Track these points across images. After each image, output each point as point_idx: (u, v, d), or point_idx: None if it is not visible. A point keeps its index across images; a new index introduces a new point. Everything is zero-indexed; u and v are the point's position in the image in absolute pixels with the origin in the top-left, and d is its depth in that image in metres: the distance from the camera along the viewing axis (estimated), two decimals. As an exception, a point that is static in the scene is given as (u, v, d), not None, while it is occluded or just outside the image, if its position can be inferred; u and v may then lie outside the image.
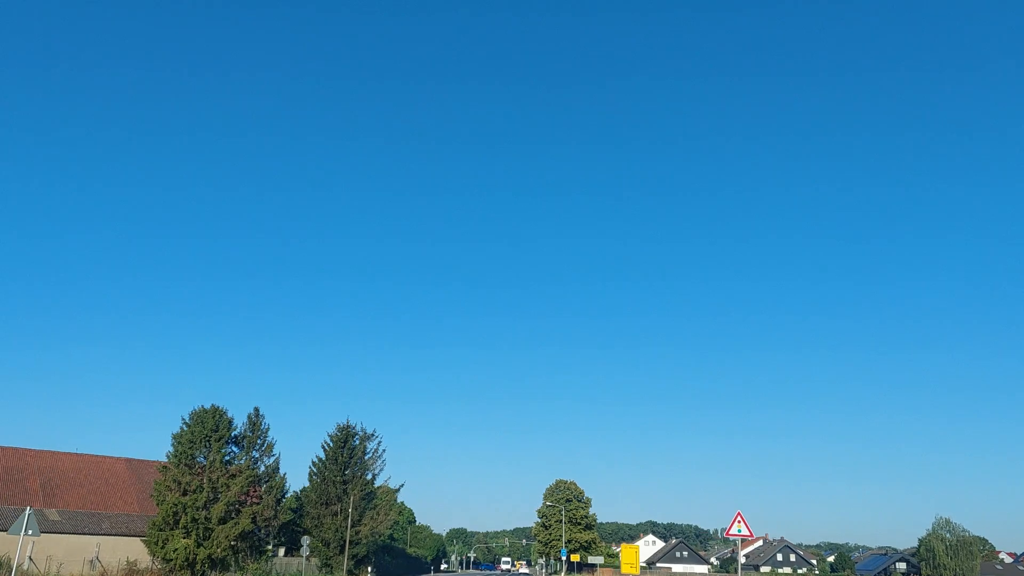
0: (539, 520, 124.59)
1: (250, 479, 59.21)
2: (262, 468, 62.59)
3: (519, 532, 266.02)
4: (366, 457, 68.22)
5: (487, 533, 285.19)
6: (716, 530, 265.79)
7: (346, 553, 63.32)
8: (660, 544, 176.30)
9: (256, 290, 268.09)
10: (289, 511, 68.63)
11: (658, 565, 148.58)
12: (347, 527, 64.78)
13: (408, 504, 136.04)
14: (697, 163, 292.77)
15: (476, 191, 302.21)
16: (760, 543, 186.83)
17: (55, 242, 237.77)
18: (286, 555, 66.85)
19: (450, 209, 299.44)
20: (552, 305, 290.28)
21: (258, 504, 59.48)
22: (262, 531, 61.82)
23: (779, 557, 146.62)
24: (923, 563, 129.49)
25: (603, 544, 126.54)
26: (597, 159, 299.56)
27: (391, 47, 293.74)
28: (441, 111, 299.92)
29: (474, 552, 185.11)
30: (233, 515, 57.30)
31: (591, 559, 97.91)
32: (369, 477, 67.64)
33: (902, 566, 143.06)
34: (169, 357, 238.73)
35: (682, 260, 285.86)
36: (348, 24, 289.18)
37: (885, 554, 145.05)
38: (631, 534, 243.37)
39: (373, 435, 69.24)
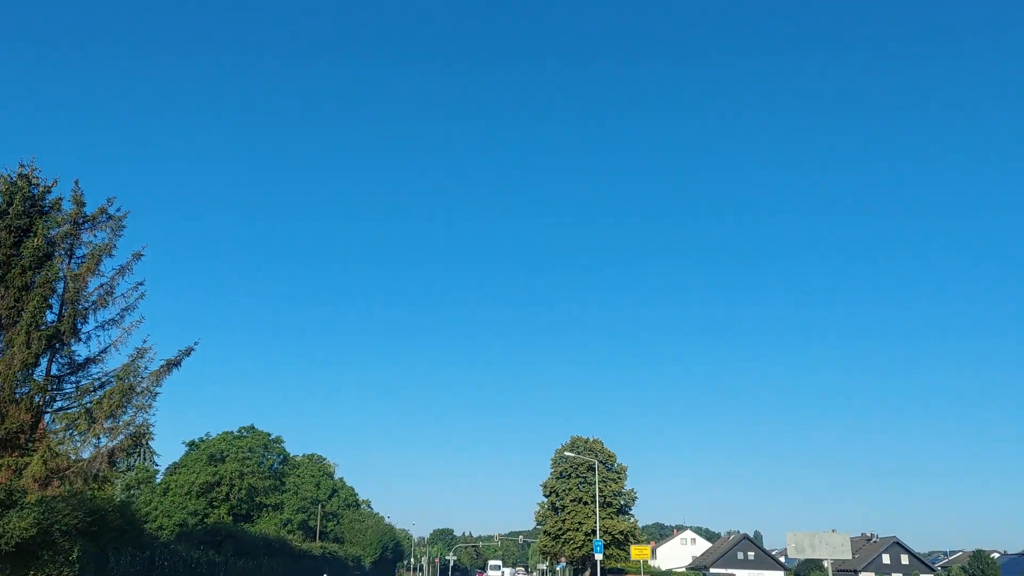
0: (545, 500, 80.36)
1: None
2: None
3: (514, 535, 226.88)
4: (72, 262, 24.45)
5: (479, 536, 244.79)
6: (728, 532, 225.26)
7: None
8: (705, 544, 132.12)
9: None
10: None
11: (713, 570, 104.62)
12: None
13: (363, 491, 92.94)
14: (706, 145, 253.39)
15: (471, 175, 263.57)
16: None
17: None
18: None
19: (440, 191, 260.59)
20: (543, 298, 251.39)
21: None
22: None
23: (885, 559, 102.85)
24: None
25: (643, 536, 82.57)
26: (592, 136, 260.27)
27: (391, 27, 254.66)
28: (426, 89, 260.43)
29: (455, 553, 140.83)
30: None
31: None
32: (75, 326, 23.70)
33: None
34: None
35: (678, 245, 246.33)
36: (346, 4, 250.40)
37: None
38: (639, 538, 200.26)
39: (104, 215, 25.31)
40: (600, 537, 72.04)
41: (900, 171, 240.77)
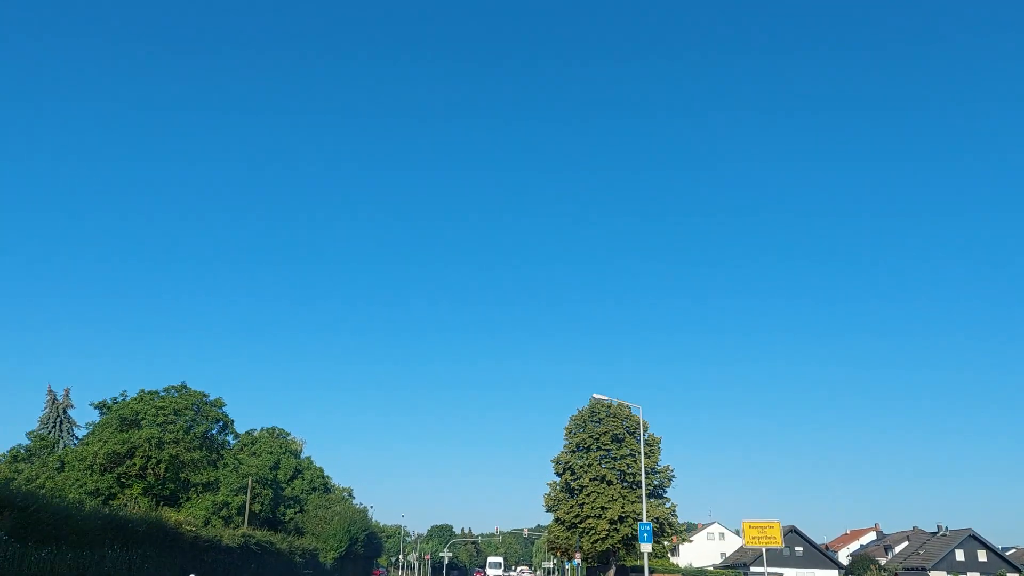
0: (556, 480, 64.12)
1: None
2: None
3: (517, 532, 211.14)
4: None
5: (480, 534, 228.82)
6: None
7: None
8: (734, 539, 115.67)
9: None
10: None
11: (754, 569, 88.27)
12: None
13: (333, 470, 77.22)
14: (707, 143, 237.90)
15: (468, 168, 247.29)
16: (873, 534, 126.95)
17: None
18: None
19: (438, 190, 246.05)
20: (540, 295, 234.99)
21: None
22: None
23: (959, 556, 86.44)
24: None
25: (682, 526, 66.24)
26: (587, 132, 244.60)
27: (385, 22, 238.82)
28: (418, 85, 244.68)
29: (451, 550, 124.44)
30: None
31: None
32: None
33: None
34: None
35: (678, 244, 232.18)
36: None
37: None
38: (677, 527, 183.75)
39: None
40: (629, 525, 55.78)
41: (900, 171, 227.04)
